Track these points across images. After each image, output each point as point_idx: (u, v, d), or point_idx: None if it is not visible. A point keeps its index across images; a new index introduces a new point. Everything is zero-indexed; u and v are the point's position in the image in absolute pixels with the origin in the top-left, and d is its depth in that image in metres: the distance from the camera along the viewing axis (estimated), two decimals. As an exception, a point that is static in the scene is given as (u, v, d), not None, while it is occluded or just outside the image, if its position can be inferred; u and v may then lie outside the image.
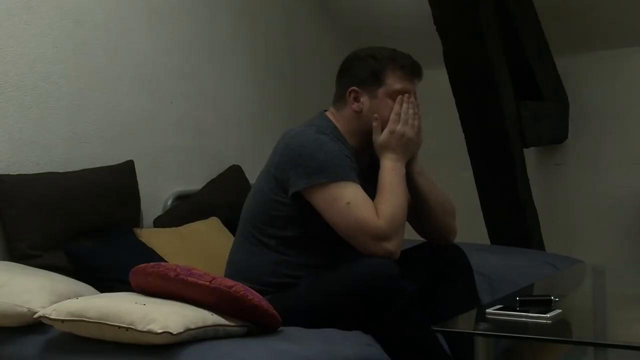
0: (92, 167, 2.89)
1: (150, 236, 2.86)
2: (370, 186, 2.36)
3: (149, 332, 1.83)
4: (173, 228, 3.01)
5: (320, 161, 2.21)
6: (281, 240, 2.28)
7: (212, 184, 3.37)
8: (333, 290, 2.14)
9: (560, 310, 1.92)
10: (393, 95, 2.33)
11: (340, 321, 2.10)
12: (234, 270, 2.33)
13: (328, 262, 2.23)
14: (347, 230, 2.20)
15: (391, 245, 2.18)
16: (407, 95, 2.33)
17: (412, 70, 2.37)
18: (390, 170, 2.27)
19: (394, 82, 2.34)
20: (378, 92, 2.34)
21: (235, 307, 1.96)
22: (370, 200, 2.22)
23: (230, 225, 3.09)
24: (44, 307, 2.06)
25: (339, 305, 2.13)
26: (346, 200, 2.18)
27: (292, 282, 2.24)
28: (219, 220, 3.16)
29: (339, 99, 2.40)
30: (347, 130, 2.37)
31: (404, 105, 2.31)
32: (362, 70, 2.35)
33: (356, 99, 2.35)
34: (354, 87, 2.35)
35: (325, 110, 2.43)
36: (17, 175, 2.67)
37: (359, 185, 2.23)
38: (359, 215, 2.17)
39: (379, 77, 2.34)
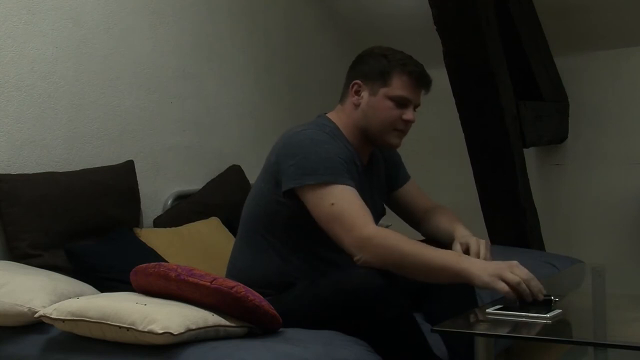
0: (92, 167, 2.89)
1: (151, 236, 2.86)
2: (370, 182, 2.36)
3: (150, 332, 1.84)
4: (173, 228, 3.02)
5: (313, 162, 2.18)
6: (285, 243, 2.26)
7: (212, 184, 3.37)
8: (321, 297, 2.11)
9: (560, 310, 1.92)
10: (394, 99, 2.31)
11: (329, 327, 2.07)
12: (237, 274, 2.29)
13: (334, 259, 2.22)
14: (330, 229, 2.14)
15: (369, 257, 2.07)
16: None
17: (419, 80, 2.33)
18: (460, 261, 2.06)
19: (398, 86, 2.31)
20: (380, 91, 2.31)
21: (236, 308, 1.96)
22: (361, 203, 2.16)
23: (230, 225, 3.10)
24: (44, 307, 2.06)
25: (327, 313, 2.09)
26: (331, 201, 2.14)
27: (297, 282, 2.23)
28: (219, 220, 3.16)
29: (344, 92, 2.40)
30: (347, 125, 2.35)
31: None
32: (370, 66, 2.34)
33: (357, 92, 2.35)
34: (357, 80, 2.35)
35: (326, 113, 2.42)
36: (17, 175, 2.67)
37: (349, 188, 2.17)
38: (344, 215, 2.12)
39: (384, 76, 2.31)
